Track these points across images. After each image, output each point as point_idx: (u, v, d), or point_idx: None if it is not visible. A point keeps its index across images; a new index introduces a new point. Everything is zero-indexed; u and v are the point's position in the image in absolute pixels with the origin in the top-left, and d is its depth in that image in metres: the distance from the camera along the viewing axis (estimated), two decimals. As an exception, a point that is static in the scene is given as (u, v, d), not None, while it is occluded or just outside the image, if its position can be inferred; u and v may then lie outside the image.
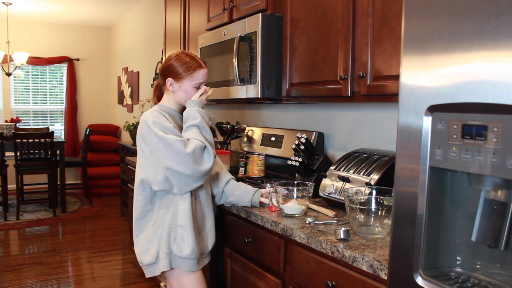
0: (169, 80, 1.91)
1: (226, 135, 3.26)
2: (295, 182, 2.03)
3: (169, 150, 1.74)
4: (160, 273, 1.87)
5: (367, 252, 1.41)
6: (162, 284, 3.09)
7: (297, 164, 2.23)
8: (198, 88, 1.92)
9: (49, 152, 5.55)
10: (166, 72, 1.92)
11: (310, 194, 1.93)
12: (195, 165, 1.74)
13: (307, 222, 1.76)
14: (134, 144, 5.69)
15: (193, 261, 1.86)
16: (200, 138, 1.80)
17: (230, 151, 3.13)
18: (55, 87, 7.80)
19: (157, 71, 5.59)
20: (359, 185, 1.85)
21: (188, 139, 1.79)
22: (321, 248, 1.56)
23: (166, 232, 1.83)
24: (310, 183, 1.97)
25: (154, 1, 5.74)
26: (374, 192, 1.68)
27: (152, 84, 5.80)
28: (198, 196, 1.91)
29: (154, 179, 1.81)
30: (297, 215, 1.88)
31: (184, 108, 1.99)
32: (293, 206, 1.88)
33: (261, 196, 2.07)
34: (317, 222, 1.76)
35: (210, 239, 1.97)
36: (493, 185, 0.98)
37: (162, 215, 1.85)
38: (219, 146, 3.26)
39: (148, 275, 1.90)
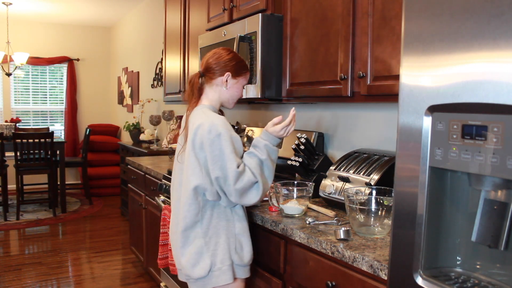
0: (228, 75, 1.82)
1: (226, 135, 3.25)
2: (295, 182, 2.03)
3: (223, 172, 1.66)
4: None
5: (367, 252, 1.41)
6: (162, 284, 3.09)
7: (297, 164, 2.23)
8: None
9: (49, 152, 5.55)
10: (224, 66, 1.82)
11: (310, 194, 1.93)
12: (238, 198, 1.68)
13: (307, 222, 1.76)
14: (134, 144, 5.69)
15: (249, 268, 1.84)
16: (256, 172, 1.70)
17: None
18: (55, 87, 7.80)
19: (156, 71, 5.58)
20: (359, 185, 1.85)
21: (245, 167, 1.70)
22: (321, 248, 1.56)
23: (223, 243, 1.75)
24: (310, 183, 1.97)
25: (154, 1, 5.74)
26: (374, 192, 1.68)
27: (152, 85, 5.80)
28: None
29: (211, 188, 1.72)
30: (297, 215, 1.88)
31: (220, 110, 1.92)
32: (293, 206, 1.88)
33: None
34: (317, 222, 1.76)
35: None
36: (493, 185, 0.98)
37: (214, 226, 1.76)
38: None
39: None
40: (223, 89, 1.84)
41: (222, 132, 1.68)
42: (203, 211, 1.75)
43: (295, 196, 1.91)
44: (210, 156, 1.68)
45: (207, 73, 1.84)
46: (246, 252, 1.79)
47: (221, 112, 1.92)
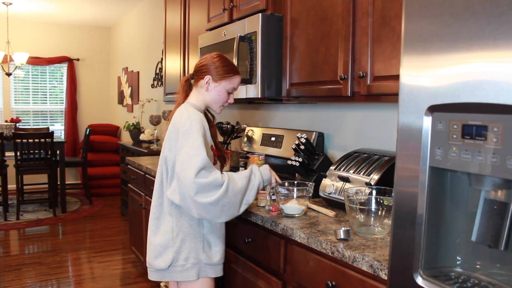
0: (208, 78, 1.87)
1: (226, 135, 3.26)
2: (295, 182, 2.03)
3: (187, 163, 1.66)
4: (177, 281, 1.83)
5: (367, 252, 1.41)
6: (162, 284, 3.09)
7: (297, 164, 2.23)
8: (230, 93, 1.92)
9: (49, 152, 5.55)
10: (206, 69, 1.88)
11: (310, 194, 1.93)
12: (195, 190, 1.63)
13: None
14: (134, 144, 5.69)
15: (221, 267, 1.86)
16: (237, 188, 1.70)
17: (230, 151, 3.13)
18: (55, 87, 7.80)
19: (156, 71, 5.59)
20: (359, 185, 1.85)
21: (227, 175, 1.70)
22: (321, 248, 1.56)
23: (189, 242, 1.78)
24: (310, 183, 1.97)
25: (154, 1, 5.74)
26: (374, 192, 1.68)
27: (152, 85, 5.80)
28: None
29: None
30: (297, 215, 1.88)
31: (205, 110, 1.95)
32: (293, 206, 1.88)
33: None
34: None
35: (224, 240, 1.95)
36: (493, 185, 0.98)
37: (182, 223, 1.78)
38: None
39: (153, 278, 1.85)
40: (204, 91, 1.90)
41: (195, 124, 1.73)
42: (174, 205, 1.78)
43: (295, 196, 1.91)
44: (179, 146, 1.73)
45: (194, 75, 1.94)
46: (215, 252, 1.81)
47: (211, 115, 2.01)
